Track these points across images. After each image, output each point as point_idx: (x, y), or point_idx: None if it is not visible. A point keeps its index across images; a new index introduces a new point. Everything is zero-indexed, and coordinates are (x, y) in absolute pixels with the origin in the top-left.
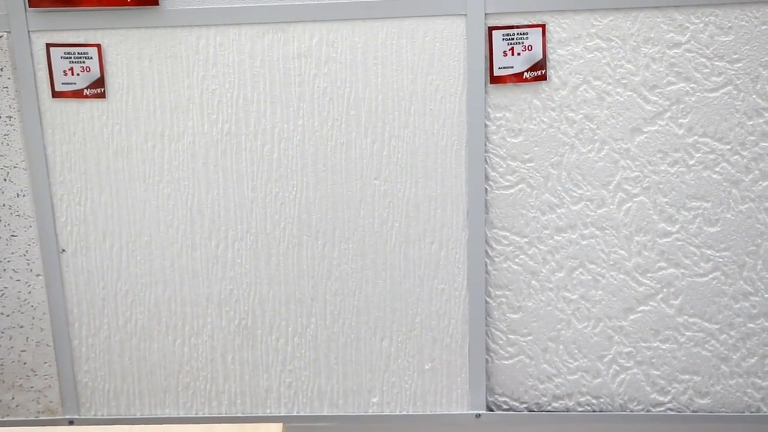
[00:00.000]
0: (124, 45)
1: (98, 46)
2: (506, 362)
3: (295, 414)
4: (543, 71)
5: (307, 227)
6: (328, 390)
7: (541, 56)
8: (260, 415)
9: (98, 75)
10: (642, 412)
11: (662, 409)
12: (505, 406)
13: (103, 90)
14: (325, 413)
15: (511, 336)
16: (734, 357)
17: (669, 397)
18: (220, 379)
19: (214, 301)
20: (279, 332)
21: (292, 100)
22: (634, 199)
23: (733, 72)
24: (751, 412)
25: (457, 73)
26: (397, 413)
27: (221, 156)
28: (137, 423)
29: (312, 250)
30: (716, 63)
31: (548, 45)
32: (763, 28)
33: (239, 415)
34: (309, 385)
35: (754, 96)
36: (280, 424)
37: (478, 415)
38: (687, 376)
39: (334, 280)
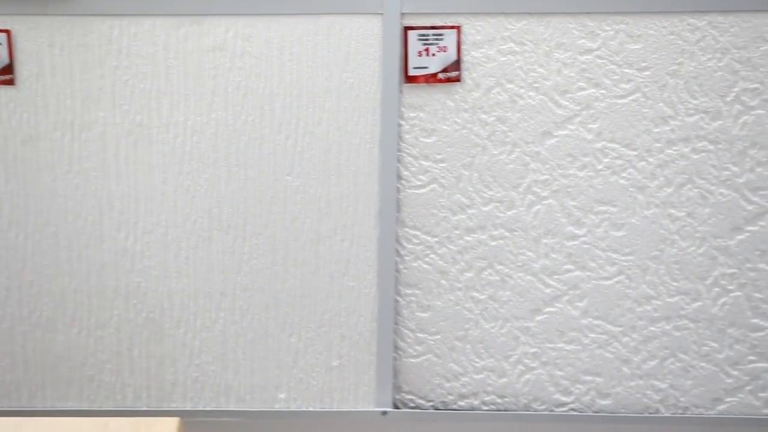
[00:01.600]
0: (35, 32)
1: (8, 32)
2: (414, 360)
3: (200, 408)
4: (457, 72)
5: (218, 221)
6: (235, 385)
7: (455, 57)
8: (165, 409)
9: (7, 61)
10: (545, 412)
11: (565, 409)
12: (411, 404)
13: (11, 77)
14: (232, 408)
15: (419, 334)
16: (635, 359)
17: (572, 398)
18: (125, 372)
19: (122, 293)
20: (187, 326)
21: (206, 94)
22: (543, 202)
23: (641, 79)
24: (650, 413)
25: (372, 72)
26: (304, 409)
27: (132, 147)
28: (38, 415)
29: (222, 245)
30: (625, 70)
31: (463, 47)
32: (671, 37)
33: (144, 408)
34: (216, 380)
35: (660, 104)
36: (177, 419)
37: (384, 413)
38: (590, 377)
39: (244, 275)
